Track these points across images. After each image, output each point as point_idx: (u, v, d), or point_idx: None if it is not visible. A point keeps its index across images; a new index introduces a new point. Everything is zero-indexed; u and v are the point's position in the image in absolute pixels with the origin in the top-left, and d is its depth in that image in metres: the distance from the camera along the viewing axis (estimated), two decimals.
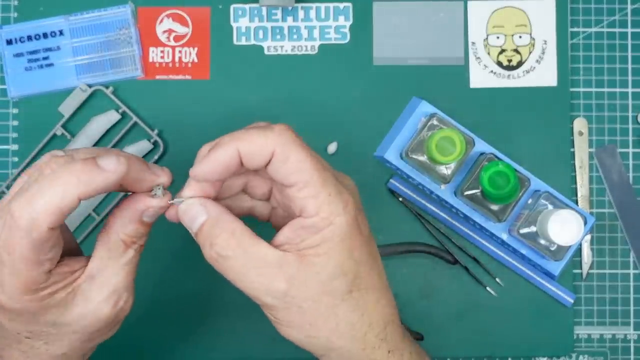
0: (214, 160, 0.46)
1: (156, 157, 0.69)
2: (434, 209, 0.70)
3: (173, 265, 0.70)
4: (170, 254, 0.69)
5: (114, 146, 0.69)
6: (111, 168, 0.44)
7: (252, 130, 0.46)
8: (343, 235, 0.46)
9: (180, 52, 0.71)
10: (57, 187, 0.43)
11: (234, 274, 0.47)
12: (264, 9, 0.71)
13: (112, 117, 0.69)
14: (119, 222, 0.48)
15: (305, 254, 0.46)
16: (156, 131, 0.69)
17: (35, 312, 0.46)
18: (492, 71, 0.71)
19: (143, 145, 0.69)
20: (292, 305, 0.46)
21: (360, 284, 0.47)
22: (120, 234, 0.48)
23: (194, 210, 0.47)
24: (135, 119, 0.69)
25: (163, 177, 0.49)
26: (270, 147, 0.45)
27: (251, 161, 0.46)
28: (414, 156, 0.66)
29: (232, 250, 0.46)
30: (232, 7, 0.71)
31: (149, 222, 0.49)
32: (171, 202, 0.49)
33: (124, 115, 0.70)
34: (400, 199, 0.70)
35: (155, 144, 0.70)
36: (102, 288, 0.47)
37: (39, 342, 0.48)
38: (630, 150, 0.71)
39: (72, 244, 0.52)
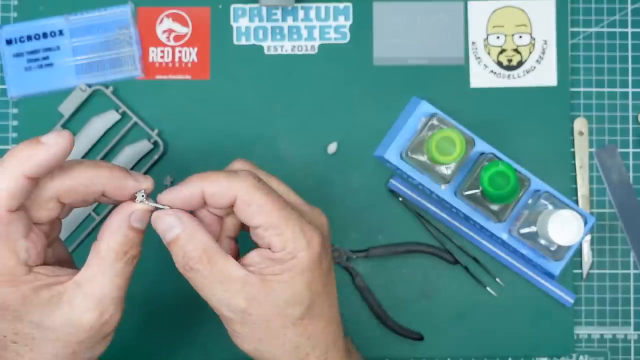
0: (178, 193, 0.50)
1: (156, 157, 0.69)
2: (434, 209, 0.70)
3: (173, 266, 0.70)
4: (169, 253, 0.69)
5: (114, 146, 0.69)
6: (51, 141, 0.46)
7: (218, 173, 0.50)
8: (304, 268, 0.50)
9: (180, 52, 0.71)
10: (3, 171, 0.45)
11: (200, 286, 0.50)
12: (264, 9, 0.71)
13: (112, 117, 0.69)
14: (108, 230, 0.49)
15: (267, 279, 0.50)
16: (156, 131, 0.69)
17: (18, 308, 0.47)
18: (492, 71, 0.71)
19: (143, 145, 0.69)
20: (248, 321, 0.50)
21: (312, 312, 0.51)
22: (110, 242, 0.49)
23: (169, 220, 0.50)
24: (135, 119, 0.69)
25: (145, 182, 0.50)
26: (233, 191, 0.49)
27: (214, 201, 0.50)
28: (414, 156, 0.66)
29: (202, 265, 0.49)
30: (232, 7, 0.71)
31: (139, 228, 0.50)
32: (153, 204, 0.50)
33: (123, 115, 0.70)
34: (400, 199, 0.70)
35: (155, 144, 0.70)
36: (88, 297, 0.48)
37: (24, 349, 0.48)
38: (631, 150, 0.71)
39: (65, 256, 0.53)
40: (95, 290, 0.48)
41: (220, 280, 0.49)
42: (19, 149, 0.46)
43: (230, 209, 0.51)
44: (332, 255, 0.53)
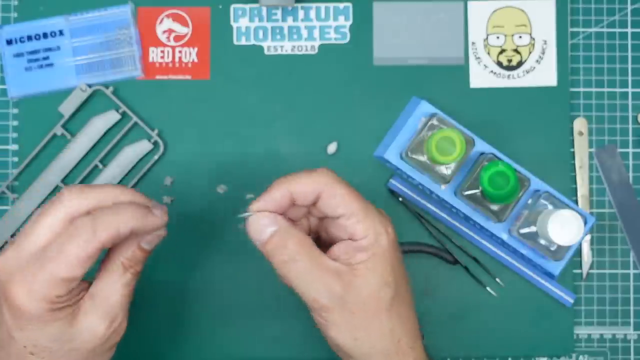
0: (269, 198, 0.54)
1: (156, 157, 0.69)
2: (434, 209, 0.70)
3: (175, 267, 0.70)
4: (173, 256, 0.69)
5: (114, 146, 0.69)
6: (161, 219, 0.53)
7: (300, 174, 0.54)
8: (386, 253, 0.54)
9: (180, 52, 0.71)
10: (120, 217, 0.50)
11: (299, 277, 0.53)
12: (264, 9, 0.71)
13: (112, 117, 0.69)
14: (119, 247, 0.53)
15: (356, 268, 0.53)
16: (156, 131, 0.69)
17: (45, 322, 0.50)
18: (492, 71, 0.71)
19: (143, 146, 0.69)
20: (345, 308, 0.53)
21: (400, 296, 0.55)
22: (120, 257, 0.53)
23: (265, 221, 0.54)
24: (135, 119, 0.69)
25: (164, 216, 0.54)
26: (318, 185, 0.54)
27: (302, 199, 0.54)
28: (414, 156, 0.66)
29: (300, 256, 0.53)
30: (232, 7, 0.71)
31: (147, 249, 0.54)
32: (242, 215, 0.54)
33: (124, 115, 0.70)
34: (400, 199, 0.70)
35: (155, 144, 0.70)
36: (100, 306, 0.52)
37: None
38: (630, 150, 0.71)
39: None
40: (106, 299, 0.52)
41: (318, 270, 0.53)
42: (129, 213, 0.51)
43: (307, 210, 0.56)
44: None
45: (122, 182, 0.70)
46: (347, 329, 0.53)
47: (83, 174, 0.69)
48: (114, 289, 0.53)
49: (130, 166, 0.69)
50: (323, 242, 0.57)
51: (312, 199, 0.54)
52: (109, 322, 0.52)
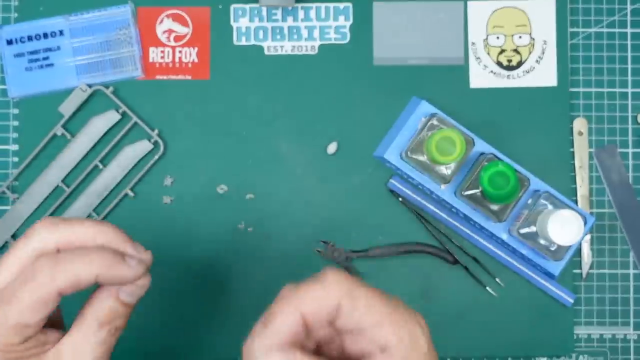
0: (276, 330, 0.42)
1: (156, 157, 0.69)
2: (434, 209, 0.70)
3: (174, 267, 0.70)
4: (172, 256, 0.69)
5: (114, 146, 0.69)
6: (136, 271, 0.45)
7: (308, 285, 0.42)
8: (426, 355, 0.42)
9: (180, 52, 0.71)
10: (83, 263, 0.44)
11: None
12: (264, 9, 0.71)
13: (112, 117, 0.69)
14: (96, 298, 0.46)
15: None
16: (156, 131, 0.69)
17: None
18: (492, 71, 0.71)
19: (143, 145, 0.69)
20: None
21: None
22: (97, 310, 0.46)
23: None
24: (135, 119, 0.69)
25: (138, 268, 0.46)
26: (334, 299, 0.41)
27: (317, 319, 0.42)
28: (414, 156, 0.66)
29: None
30: (232, 7, 0.71)
31: (128, 302, 0.47)
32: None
33: (124, 115, 0.70)
34: (400, 199, 0.70)
35: (155, 144, 0.70)
36: None
37: None
38: (630, 150, 0.71)
39: (57, 315, 0.50)
40: (75, 358, 0.45)
41: None
42: (104, 256, 0.44)
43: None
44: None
45: (122, 182, 0.70)
46: None
47: (83, 174, 0.69)
48: (85, 348, 0.45)
49: (130, 166, 0.70)
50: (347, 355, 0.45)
51: (328, 318, 0.42)
52: None
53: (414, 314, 0.43)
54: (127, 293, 0.46)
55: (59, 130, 0.69)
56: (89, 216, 0.70)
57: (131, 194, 0.70)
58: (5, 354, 0.43)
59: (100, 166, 0.69)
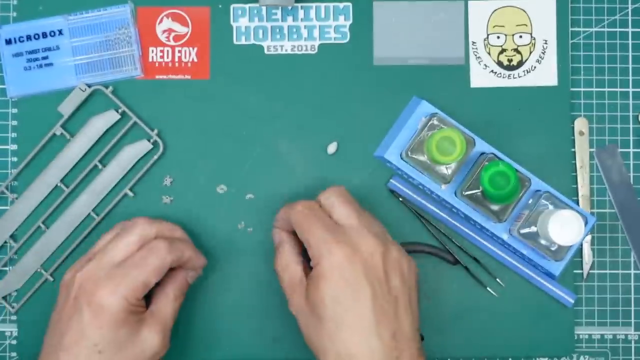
0: (278, 217, 0.65)
1: (156, 157, 0.69)
2: (434, 209, 0.70)
3: None
4: None
5: (114, 146, 0.69)
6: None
7: (291, 204, 0.63)
8: (322, 275, 0.58)
9: (179, 51, 0.71)
10: (185, 247, 0.63)
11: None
12: (264, 9, 0.71)
13: (112, 117, 0.69)
14: (173, 278, 0.64)
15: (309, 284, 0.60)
16: (156, 131, 0.69)
17: (120, 323, 0.58)
18: (492, 71, 0.71)
19: (142, 145, 0.69)
20: (313, 315, 0.59)
21: (341, 323, 0.58)
22: (174, 288, 0.63)
23: (277, 238, 0.65)
24: (134, 118, 0.69)
25: (205, 260, 0.65)
26: (291, 215, 0.62)
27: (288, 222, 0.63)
28: (414, 156, 0.66)
29: (281, 268, 0.63)
30: (231, 6, 0.71)
31: (190, 283, 0.65)
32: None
33: (123, 115, 0.69)
34: (401, 199, 0.70)
35: (155, 143, 0.69)
36: (158, 322, 0.61)
37: None
38: (631, 150, 0.71)
39: None
40: (162, 318, 0.61)
41: (290, 280, 0.62)
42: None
43: None
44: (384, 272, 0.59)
45: (121, 181, 0.70)
46: (313, 332, 0.59)
47: (82, 174, 0.69)
48: (167, 310, 0.62)
49: (130, 166, 0.69)
50: None
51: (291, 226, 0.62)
52: (163, 336, 0.61)
53: (330, 242, 0.58)
54: (191, 276, 0.65)
55: (58, 130, 0.69)
56: (88, 216, 0.70)
57: (131, 194, 0.69)
58: (130, 307, 0.59)
59: (100, 166, 0.69)
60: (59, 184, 0.69)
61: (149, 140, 0.69)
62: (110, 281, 0.59)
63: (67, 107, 0.69)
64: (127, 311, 0.58)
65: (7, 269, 0.70)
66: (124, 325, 0.58)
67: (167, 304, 0.62)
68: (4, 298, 0.70)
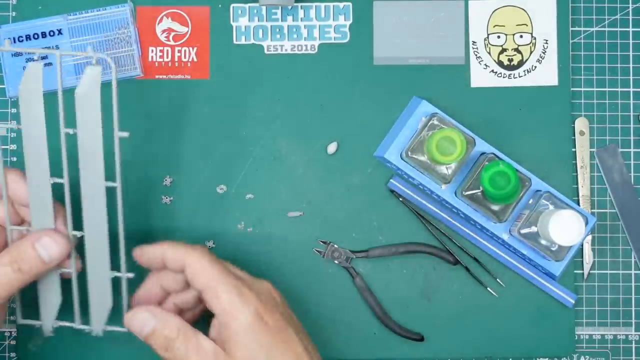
0: (143, 290, 0.61)
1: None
2: (434, 209, 0.70)
3: None
4: None
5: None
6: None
7: (179, 243, 0.58)
8: (246, 327, 0.54)
9: (179, 51, 0.71)
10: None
11: None
12: (264, 8, 0.71)
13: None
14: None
15: (226, 347, 0.55)
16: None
17: None
18: (492, 71, 0.71)
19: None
20: None
21: None
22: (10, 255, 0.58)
23: (143, 316, 0.57)
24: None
25: None
26: (185, 257, 0.57)
27: (171, 264, 0.58)
28: (415, 156, 0.66)
29: (180, 342, 0.55)
30: (231, 6, 0.71)
31: (47, 261, 0.58)
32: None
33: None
34: (401, 199, 0.70)
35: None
36: None
37: None
38: (632, 149, 0.71)
39: None
40: None
41: (197, 354, 0.55)
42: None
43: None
44: (278, 314, 0.57)
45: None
46: None
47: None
48: None
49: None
50: None
51: (179, 267, 0.57)
52: None
53: (245, 293, 0.55)
54: (49, 253, 0.58)
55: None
56: None
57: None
58: None
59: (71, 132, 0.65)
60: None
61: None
62: None
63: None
64: None
65: None
66: None
67: None
68: None
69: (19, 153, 0.70)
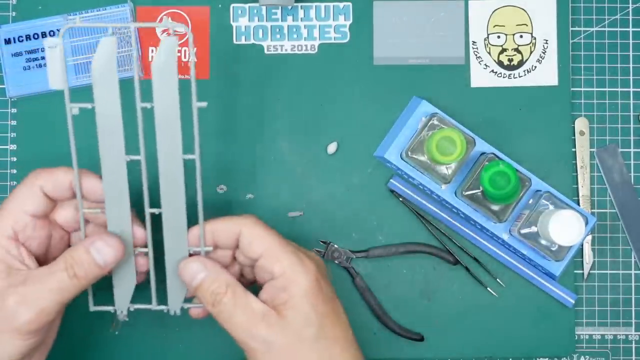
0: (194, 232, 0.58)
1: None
2: (434, 209, 0.70)
3: None
4: None
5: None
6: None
7: (225, 217, 0.58)
8: (306, 291, 0.54)
9: (179, 51, 0.71)
10: None
11: (227, 318, 0.55)
12: (264, 8, 0.71)
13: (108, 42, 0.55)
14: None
15: (279, 309, 0.54)
16: None
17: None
18: (492, 71, 0.71)
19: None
20: (272, 351, 0.54)
21: (326, 335, 0.55)
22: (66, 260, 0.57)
23: (195, 267, 0.56)
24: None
25: None
26: (238, 227, 0.56)
27: (223, 240, 0.57)
28: (415, 156, 0.66)
29: (228, 298, 0.55)
30: (231, 6, 0.71)
31: (102, 265, 0.57)
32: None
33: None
34: (401, 199, 0.70)
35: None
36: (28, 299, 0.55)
37: None
38: (632, 149, 0.71)
39: None
40: (36, 294, 0.55)
41: (244, 311, 0.54)
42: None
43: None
44: (331, 287, 0.58)
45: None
46: None
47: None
48: (46, 284, 0.55)
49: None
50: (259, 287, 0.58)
51: (232, 240, 0.57)
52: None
53: (305, 258, 0.55)
54: (103, 253, 0.57)
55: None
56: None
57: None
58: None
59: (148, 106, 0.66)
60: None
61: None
62: None
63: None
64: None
65: None
66: None
67: (49, 275, 0.55)
68: None
69: (19, 153, 0.70)
